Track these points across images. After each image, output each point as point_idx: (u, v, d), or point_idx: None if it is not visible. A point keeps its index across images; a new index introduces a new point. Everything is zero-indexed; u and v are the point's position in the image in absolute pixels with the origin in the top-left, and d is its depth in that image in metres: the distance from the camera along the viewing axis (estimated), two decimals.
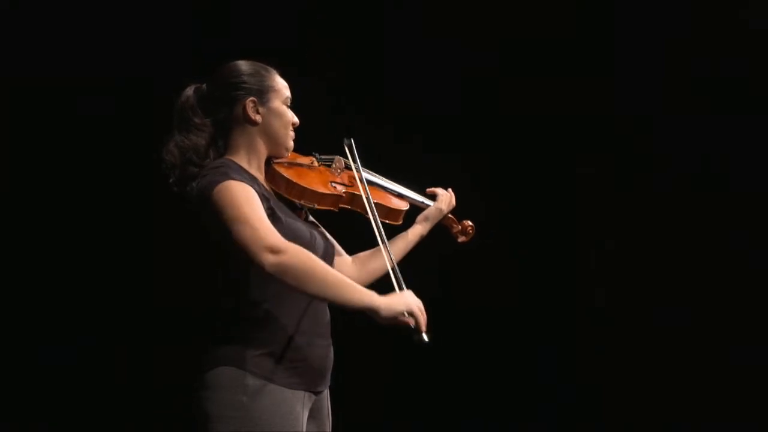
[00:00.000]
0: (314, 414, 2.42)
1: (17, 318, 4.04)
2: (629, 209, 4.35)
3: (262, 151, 2.47)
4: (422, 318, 2.27)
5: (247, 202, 2.28)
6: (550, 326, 4.41)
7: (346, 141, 2.61)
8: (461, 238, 2.85)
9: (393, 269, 2.37)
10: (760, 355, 4.14)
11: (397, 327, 2.26)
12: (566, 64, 4.33)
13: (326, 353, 2.44)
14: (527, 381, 4.39)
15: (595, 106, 4.30)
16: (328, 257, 2.49)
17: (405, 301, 2.27)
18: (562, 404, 4.36)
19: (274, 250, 2.22)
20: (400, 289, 2.32)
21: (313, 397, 2.40)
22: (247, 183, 2.33)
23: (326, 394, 2.47)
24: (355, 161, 2.58)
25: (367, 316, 2.25)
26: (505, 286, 4.39)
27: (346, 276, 2.61)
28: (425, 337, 2.25)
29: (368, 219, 2.51)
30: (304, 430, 2.36)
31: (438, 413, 4.39)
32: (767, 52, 4.16)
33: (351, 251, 2.70)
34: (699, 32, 4.21)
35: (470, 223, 2.84)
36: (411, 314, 2.25)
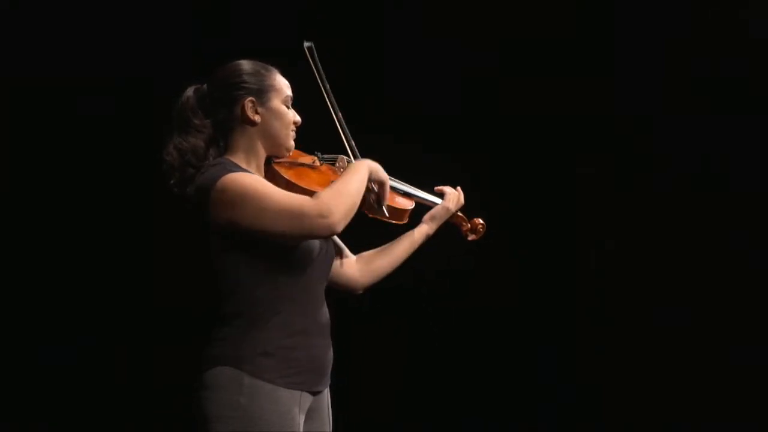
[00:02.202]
0: (313, 414, 2.41)
1: (17, 318, 4.05)
2: (629, 209, 4.35)
3: (262, 152, 2.44)
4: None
5: (263, 188, 2.28)
6: (550, 326, 4.41)
7: (305, 44, 2.57)
8: (471, 237, 2.77)
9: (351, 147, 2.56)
10: (760, 355, 4.14)
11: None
12: (566, 64, 4.32)
13: (325, 353, 2.43)
14: (527, 381, 4.39)
15: (595, 106, 4.30)
16: (328, 257, 2.48)
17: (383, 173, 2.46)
18: (562, 404, 4.36)
19: (323, 215, 2.24)
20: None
21: (312, 397, 2.39)
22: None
23: (326, 393, 2.46)
24: (315, 65, 2.53)
25: None
26: (505, 286, 4.39)
27: (349, 276, 2.63)
28: (386, 211, 2.42)
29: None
30: (302, 430, 2.35)
31: (438, 413, 4.39)
32: (767, 53, 4.16)
33: (354, 251, 2.69)
34: (699, 32, 4.21)
35: (481, 221, 2.77)
36: (381, 184, 2.44)
